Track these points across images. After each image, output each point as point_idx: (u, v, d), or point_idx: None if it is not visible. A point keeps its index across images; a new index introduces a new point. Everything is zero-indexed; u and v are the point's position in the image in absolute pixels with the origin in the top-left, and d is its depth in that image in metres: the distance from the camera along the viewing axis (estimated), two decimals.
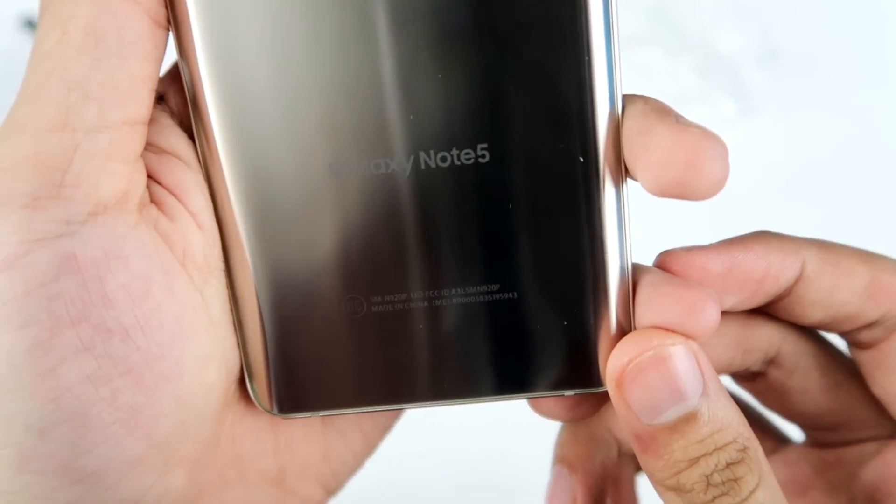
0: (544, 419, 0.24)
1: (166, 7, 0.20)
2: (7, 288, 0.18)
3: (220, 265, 0.21)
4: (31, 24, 0.51)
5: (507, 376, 0.22)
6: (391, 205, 0.20)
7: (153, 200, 0.20)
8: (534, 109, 0.20)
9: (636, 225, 0.21)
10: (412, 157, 0.20)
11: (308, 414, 0.22)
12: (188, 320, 0.20)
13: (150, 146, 0.20)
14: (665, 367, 0.19)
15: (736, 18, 0.55)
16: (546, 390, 0.22)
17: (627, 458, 0.27)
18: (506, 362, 0.22)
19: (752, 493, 0.19)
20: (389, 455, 0.28)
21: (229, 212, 0.21)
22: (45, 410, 0.18)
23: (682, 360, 0.19)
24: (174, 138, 0.21)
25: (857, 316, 0.23)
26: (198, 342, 0.20)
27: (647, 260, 0.22)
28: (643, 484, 0.27)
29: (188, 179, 0.21)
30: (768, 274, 0.22)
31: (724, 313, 0.23)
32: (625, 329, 0.21)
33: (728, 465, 0.19)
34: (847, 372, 0.25)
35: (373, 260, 0.21)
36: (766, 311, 0.24)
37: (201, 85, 0.20)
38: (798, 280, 0.22)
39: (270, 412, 0.22)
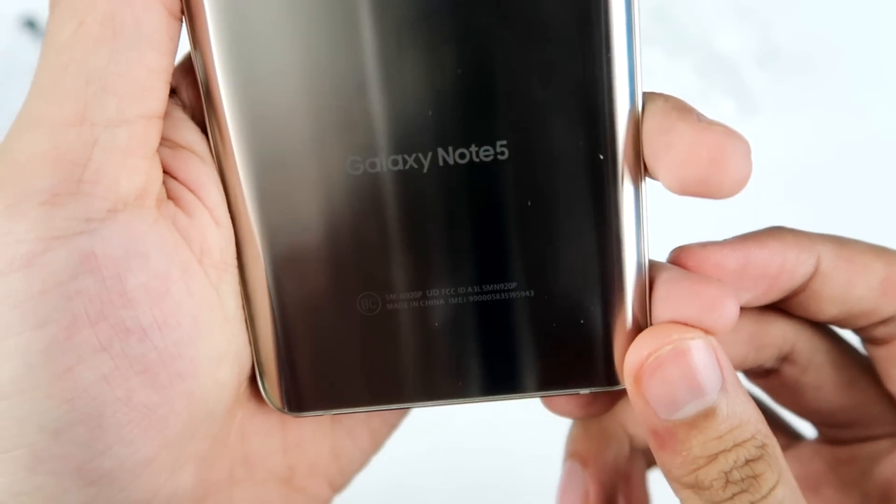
0: (544, 419, 0.24)
1: None
2: (24, 286, 0.18)
3: (235, 262, 0.21)
4: (31, 24, 0.51)
5: (523, 374, 0.21)
6: (408, 201, 0.20)
7: (170, 196, 0.20)
8: (553, 106, 0.20)
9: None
10: (430, 154, 0.20)
11: (320, 412, 0.22)
12: (205, 319, 0.20)
13: (164, 141, 0.20)
14: (684, 361, 0.19)
15: (736, 18, 0.55)
16: (561, 388, 0.22)
17: (639, 454, 0.27)
18: (521, 360, 0.21)
19: (771, 490, 0.19)
20: (391, 455, 0.28)
21: (242, 207, 0.21)
22: (61, 411, 0.18)
23: (702, 354, 0.19)
24: (188, 132, 0.21)
25: (872, 312, 0.23)
26: (213, 340, 0.20)
27: (655, 255, 0.22)
28: (654, 480, 0.27)
29: (204, 174, 0.20)
30: (783, 269, 0.22)
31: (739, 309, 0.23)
32: (641, 326, 0.21)
33: (747, 462, 0.19)
34: (861, 368, 0.25)
35: (388, 257, 0.21)
36: (780, 308, 0.24)
37: (215, 77, 0.20)
38: (813, 276, 0.22)
39: (282, 410, 0.22)
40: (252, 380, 0.23)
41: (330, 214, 0.21)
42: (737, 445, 0.19)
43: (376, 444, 0.26)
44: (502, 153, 0.20)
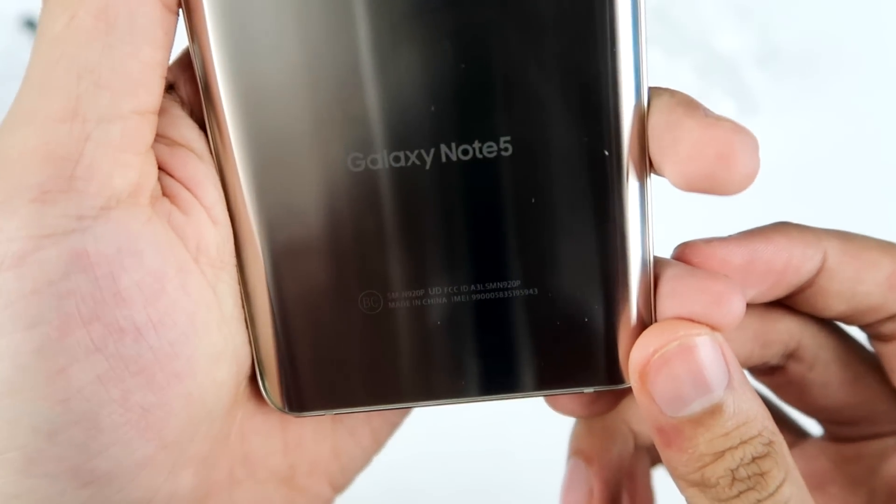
0: (547, 418, 0.24)
1: None
2: (15, 286, 0.17)
3: (233, 260, 0.21)
4: (31, 24, 0.51)
5: (526, 373, 0.21)
6: (410, 198, 0.20)
7: (165, 194, 0.20)
8: (558, 101, 0.19)
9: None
10: (433, 150, 0.20)
11: (321, 412, 0.22)
12: (201, 318, 0.20)
13: (162, 138, 0.20)
14: (691, 357, 0.19)
15: (736, 18, 0.55)
16: (565, 387, 0.21)
17: (644, 451, 0.27)
18: (524, 359, 0.21)
19: (778, 487, 0.19)
20: (392, 456, 0.27)
21: (242, 205, 0.20)
22: (54, 412, 0.18)
23: (708, 350, 0.19)
24: (186, 129, 0.20)
25: (879, 308, 0.22)
26: (210, 340, 0.20)
27: (659, 252, 0.22)
28: (658, 478, 0.27)
29: (201, 172, 0.20)
30: (789, 265, 0.22)
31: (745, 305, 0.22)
32: (646, 324, 0.21)
33: (754, 460, 0.19)
34: (868, 365, 0.25)
35: (390, 255, 0.20)
36: (786, 304, 0.24)
37: (214, 72, 0.19)
38: (819, 271, 0.22)
39: (283, 410, 0.22)
40: (251, 379, 0.22)
41: (331, 211, 0.20)
42: (743, 443, 0.19)
43: (378, 444, 0.26)
44: (506, 149, 0.20)
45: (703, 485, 0.19)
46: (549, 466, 0.31)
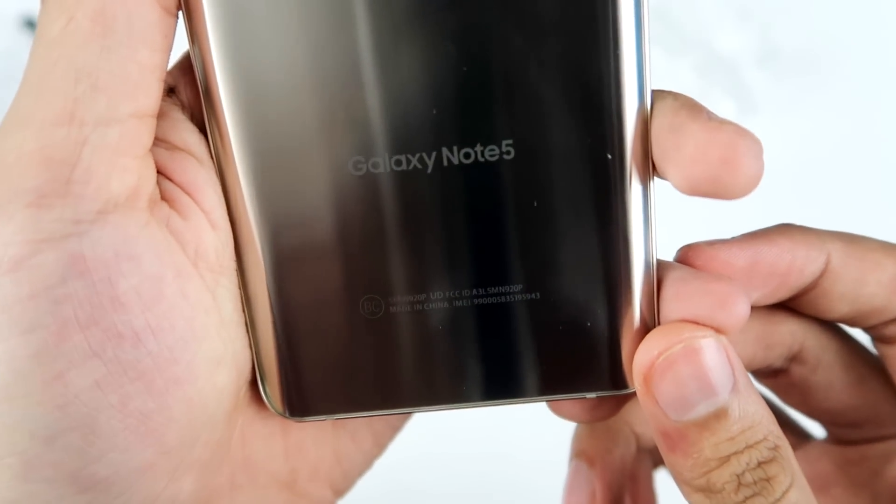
0: (548, 421, 0.24)
1: None
2: (12, 291, 0.17)
3: (232, 265, 0.21)
4: (31, 24, 0.50)
5: (528, 378, 0.21)
6: (412, 202, 0.20)
7: (164, 198, 0.20)
8: (560, 104, 0.19)
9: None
10: (434, 153, 0.20)
11: (322, 417, 0.22)
12: (200, 323, 0.19)
13: (161, 142, 0.20)
14: (696, 360, 0.19)
15: (736, 18, 0.55)
16: (568, 392, 0.21)
17: (646, 453, 0.26)
18: (527, 364, 0.21)
19: (785, 493, 0.19)
20: (394, 459, 0.27)
21: (242, 209, 0.20)
22: (52, 418, 0.18)
23: (713, 353, 0.19)
24: (186, 133, 0.20)
25: (883, 309, 0.22)
26: (209, 345, 0.20)
27: (661, 255, 0.22)
28: (660, 480, 0.27)
29: (201, 177, 0.20)
30: (793, 267, 0.21)
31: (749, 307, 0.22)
32: (649, 327, 0.21)
33: (760, 464, 0.19)
34: (871, 368, 0.24)
35: (391, 259, 0.20)
36: (789, 306, 0.23)
37: (214, 75, 0.19)
38: (823, 273, 0.22)
39: (283, 415, 0.22)
40: (251, 384, 0.22)
41: (332, 215, 0.20)
42: (749, 447, 0.19)
43: (379, 447, 0.25)
44: (508, 152, 0.20)
45: (708, 490, 0.19)
46: (551, 468, 0.30)
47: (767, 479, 0.19)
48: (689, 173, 0.18)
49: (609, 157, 0.19)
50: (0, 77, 0.48)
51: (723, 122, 0.18)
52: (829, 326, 0.24)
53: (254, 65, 0.19)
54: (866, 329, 0.24)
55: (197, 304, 0.19)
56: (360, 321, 0.21)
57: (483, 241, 0.20)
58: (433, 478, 0.48)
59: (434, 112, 0.19)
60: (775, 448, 0.19)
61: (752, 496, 0.19)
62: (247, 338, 0.21)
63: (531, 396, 0.21)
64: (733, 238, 0.22)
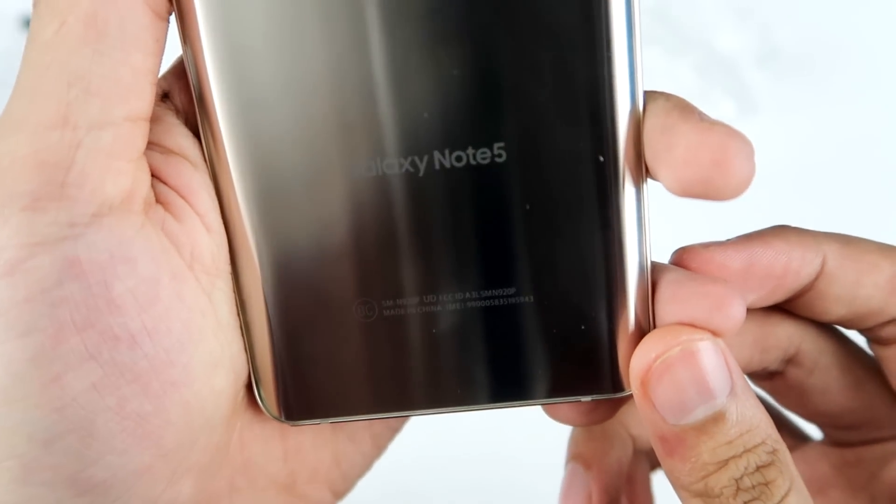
0: (545, 424, 0.24)
1: None
2: (8, 294, 0.17)
3: (228, 268, 0.21)
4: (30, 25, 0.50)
5: (523, 382, 0.21)
6: (404, 205, 0.20)
7: (159, 201, 0.20)
8: (552, 107, 0.19)
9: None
10: (426, 157, 0.20)
11: (317, 421, 0.22)
12: (197, 325, 0.19)
13: (156, 146, 0.20)
14: (694, 362, 0.19)
15: (736, 18, 0.55)
16: (563, 396, 0.21)
17: (642, 456, 0.26)
18: (521, 368, 0.21)
19: (783, 497, 0.19)
20: (392, 460, 0.27)
21: (236, 213, 0.20)
22: (50, 420, 0.18)
23: (711, 356, 0.19)
24: (180, 137, 0.20)
25: (879, 311, 0.22)
26: (206, 347, 0.20)
27: (656, 257, 0.22)
28: (657, 482, 0.27)
29: (195, 180, 0.20)
30: (789, 269, 0.21)
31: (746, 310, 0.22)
32: (644, 330, 0.20)
33: (758, 468, 0.19)
34: (868, 370, 0.24)
35: (384, 263, 0.20)
36: (785, 308, 0.23)
37: (207, 79, 0.19)
38: (819, 275, 0.22)
39: (279, 419, 0.22)
40: (249, 387, 0.22)
41: (325, 219, 0.20)
42: (747, 451, 0.19)
43: (379, 449, 0.25)
44: (500, 155, 0.20)
45: (706, 495, 0.19)
46: (547, 470, 0.30)
47: (766, 484, 0.19)
48: (681, 175, 0.18)
49: (601, 159, 0.19)
50: (0, 77, 0.48)
51: (714, 124, 0.18)
52: (826, 328, 0.24)
53: (246, 68, 0.19)
54: (863, 331, 0.24)
55: (193, 307, 0.19)
56: (353, 325, 0.21)
57: (475, 245, 0.20)
58: (432, 479, 0.48)
59: (425, 115, 0.19)
60: (773, 452, 0.19)
61: (751, 500, 0.18)
62: (243, 341, 0.21)
63: (526, 400, 0.21)
64: (729, 240, 0.21)
